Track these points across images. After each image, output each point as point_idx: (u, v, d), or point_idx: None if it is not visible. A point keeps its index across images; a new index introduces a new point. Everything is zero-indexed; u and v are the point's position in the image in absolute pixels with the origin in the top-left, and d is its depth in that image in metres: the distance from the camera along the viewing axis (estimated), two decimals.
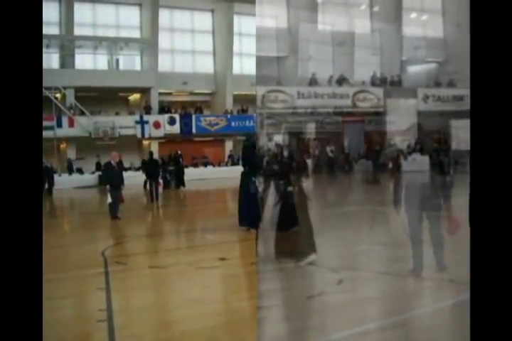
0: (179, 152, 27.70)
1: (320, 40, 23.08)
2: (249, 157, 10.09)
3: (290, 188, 7.39)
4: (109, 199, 14.10)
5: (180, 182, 25.19)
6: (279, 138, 10.17)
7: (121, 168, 16.14)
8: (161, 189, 21.11)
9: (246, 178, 10.12)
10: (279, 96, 22.89)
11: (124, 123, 32.28)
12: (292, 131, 18.18)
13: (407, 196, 6.81)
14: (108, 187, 14.46)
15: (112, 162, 14.83)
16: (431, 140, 6.93)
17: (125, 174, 16.17)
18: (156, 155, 26.59)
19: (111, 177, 14.42)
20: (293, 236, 7.36)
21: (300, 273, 7.16)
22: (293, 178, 7.41)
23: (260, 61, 22.09)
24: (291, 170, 7.62)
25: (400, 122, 17.70)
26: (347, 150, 21.98)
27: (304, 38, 23.66)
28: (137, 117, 33.51)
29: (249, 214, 9.81)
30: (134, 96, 36.19)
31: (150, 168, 20.24)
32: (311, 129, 19.48)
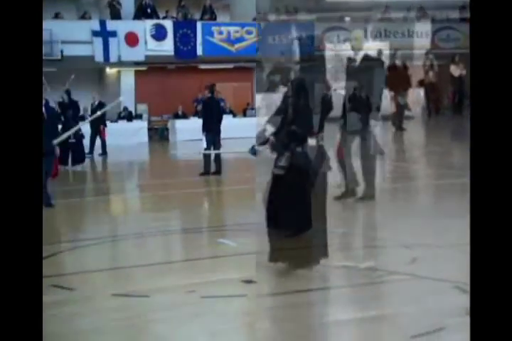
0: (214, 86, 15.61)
1: None
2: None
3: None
4: None
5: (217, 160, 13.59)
6: None
7: (54, 116, 11.25)
8: None
9: None
10: None
11: (72, 34, 23.29)
12: None
13: None
14: None
15: None
16: None
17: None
18: (131, 95, 23.20)
19: None
20: None
21: None
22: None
23: None
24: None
25: None
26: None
27: None
28: (95, 24, 23.88)
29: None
30: None
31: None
32: None
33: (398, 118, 19.84)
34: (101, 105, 17.46)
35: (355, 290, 5.60)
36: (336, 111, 8.82)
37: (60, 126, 15.87)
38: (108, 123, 20.97)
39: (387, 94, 17.35)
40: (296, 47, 9.39)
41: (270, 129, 6.65)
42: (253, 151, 7.07)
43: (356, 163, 9.29)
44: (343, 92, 9.61)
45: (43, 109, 10.31)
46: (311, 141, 6.72)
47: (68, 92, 16.13)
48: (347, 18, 25.15)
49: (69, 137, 15.48)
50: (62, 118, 16.23)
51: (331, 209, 7.84)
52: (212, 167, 12.97)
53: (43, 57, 23.07)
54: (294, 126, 6.58)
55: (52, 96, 19.99)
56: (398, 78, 19.82)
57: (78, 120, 15.94)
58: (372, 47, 21.98)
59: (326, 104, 7.23)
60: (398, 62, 20.43)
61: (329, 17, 25.22)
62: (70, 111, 15.71)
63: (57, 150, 10.47)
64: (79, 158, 15.66)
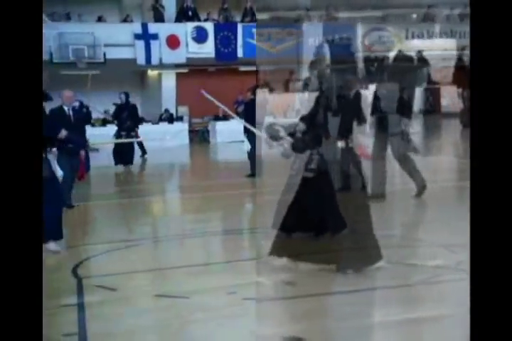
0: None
1: None
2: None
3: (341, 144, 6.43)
4: (59, 174, 9.21)
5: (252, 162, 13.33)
6: None
7: (82, 117, 12.69)
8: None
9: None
10: None
11: (114, 37, 23.25)
12: None
13: None
14: (54, 150, 9.40)
15: (65, 107, 10.10)
16: None
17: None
18: (172, 97, 23.76)
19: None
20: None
21: None
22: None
23: None
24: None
25: None
26: None
27: None
28: (137, 27, 23.80)
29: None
30: None
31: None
32: None
33: (465, 116, 19.69)
34: (133, 108, 17.37)
35: (420, 289, 5.54)
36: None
37: (115, 127, 16.18)
38: (149, 125, 21.09)
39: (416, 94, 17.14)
40: (326, 49, 9.20)
41: (302, 127, 6.56)
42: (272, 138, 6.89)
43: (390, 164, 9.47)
44: (369, 94, 9.56)
45: (71, 112, 10.21)
46: (341, 143, 6.59)
47: (126, 94, 16.15)
48: (414, 15, 24.72)
49: (121, 138, 15.67)
50: (116, 121, 16.38)
51: (386, 209, 7.93)
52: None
53: (87, 60, 23.62)
54: (321, 129, 6.50)
55: (94, 98, 20.07)
56: (465, 76, 19.77)
57: (132, 122, 15.95)
58: (439, 46, 21.67)
59: (342, 108, 7.04)
60: (465, 60, 20.27)
61: (374, 15, 24.53)
62: (126, 113, 15.79)
63: (83, 153, 10.39)
64: (128, 159, 15.86)
